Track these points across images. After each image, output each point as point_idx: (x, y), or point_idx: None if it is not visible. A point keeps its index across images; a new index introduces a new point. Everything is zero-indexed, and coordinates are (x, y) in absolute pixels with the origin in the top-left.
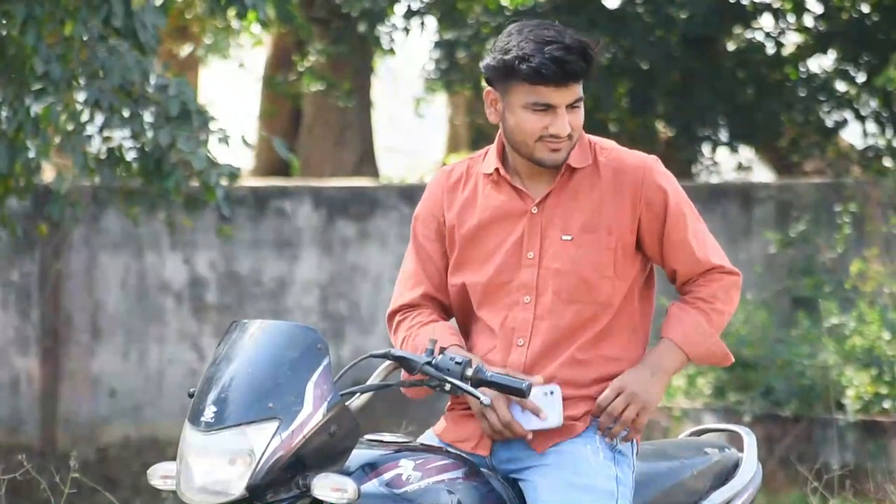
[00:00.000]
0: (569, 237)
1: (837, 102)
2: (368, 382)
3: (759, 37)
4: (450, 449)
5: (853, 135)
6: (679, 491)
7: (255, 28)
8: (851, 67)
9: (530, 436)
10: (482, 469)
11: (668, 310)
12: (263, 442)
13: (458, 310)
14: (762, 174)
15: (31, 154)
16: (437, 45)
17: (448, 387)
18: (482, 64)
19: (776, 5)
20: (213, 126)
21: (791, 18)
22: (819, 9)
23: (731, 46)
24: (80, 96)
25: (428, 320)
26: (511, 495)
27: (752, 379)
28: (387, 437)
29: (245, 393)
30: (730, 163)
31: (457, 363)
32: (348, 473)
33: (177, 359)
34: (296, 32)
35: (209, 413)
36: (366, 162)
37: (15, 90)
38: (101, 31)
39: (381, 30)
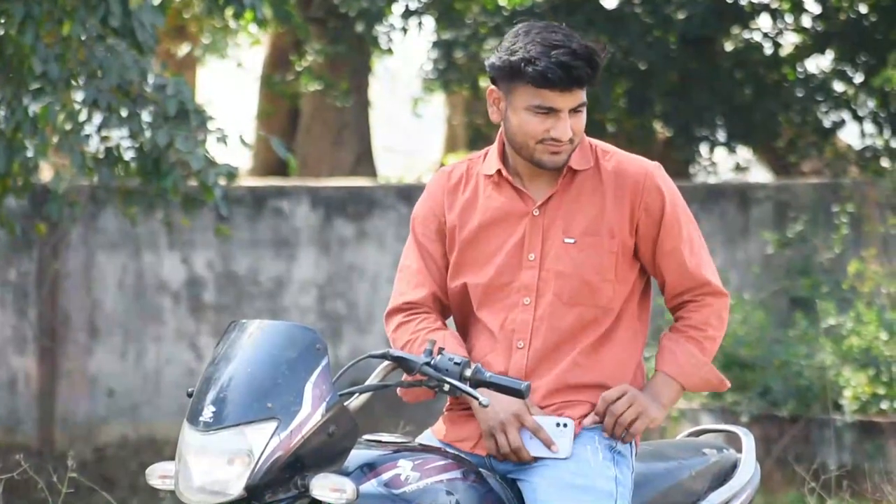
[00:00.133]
0: (571, 240)
1: (835, 103)
2: (367, 383)
3: (757, 37)
4: (448, 449)
5: (851, 135)
6: (677, 492)
7: (253, 28)
8: (849, 68)
9: (534, 462)
10: (481, 469)
11: (661, 341)
12: (262, 442)
13: (457, 311)
14: (760, 174)
15: (29, 153)
16: (435, 44)
17: (447, 387)
18: (487, 62)
19: (774, 6)
20: (211, 126)
21: (789, 19)
22: (817, 9)
23: (728, 47)
24: (78, 96)
25: (434, 327)
26: (510, 496)
27: (750, 379)
28: (385, 437)
29: (244, 393)
30: (727, 163)
31: (455, 364)
32: (347, 474)
33: (174, 358)
34: (293, 32)
35: (208, 413)
36: (363, 162)
37: (13, 89)
38: (99, 30)
39: (379, 29)
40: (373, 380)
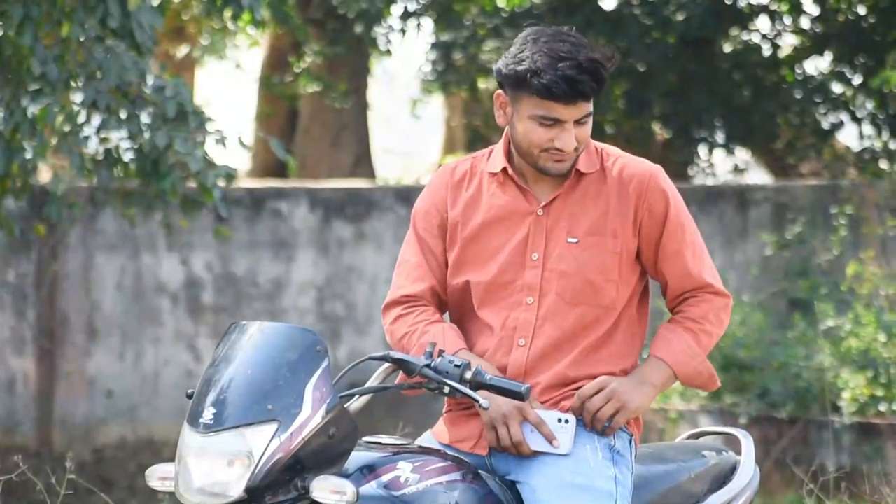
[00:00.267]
0: (574, 240)
1: (834, 104)
2: (367, 385)
3: (756, 39)
4: (448, 451)
5: (849, 137)
6: (676, 494)
7: (252, 29)
8: (848, 69)
9: (534, 455)
10: (480, 471)
11: (657, 330)
12: (262, 444)
13: (456, 309)
14: (758, 176)
15: (28, 155)
16: (434, 46)
17: (447, 389)
18: (494, 67)
19: (773, 7)
20: (209, 127)
21: (787, 20)
22: (815, 11)
23: (727, 48)
24: (77, 97)
25: (433, 319)
26: (509, 497)
27: (748, 381)
28: (385, 439)
29: (244, 395)
30: (726, 164)
31: (456, 366)
32: (347, 475)
33: (173, 360)
34: (292, 33)
35: (208, 415)
36: (362, 163)
37: (12, 91)
38: (98, 31)
39: (378, 31)
40: (373, 382)
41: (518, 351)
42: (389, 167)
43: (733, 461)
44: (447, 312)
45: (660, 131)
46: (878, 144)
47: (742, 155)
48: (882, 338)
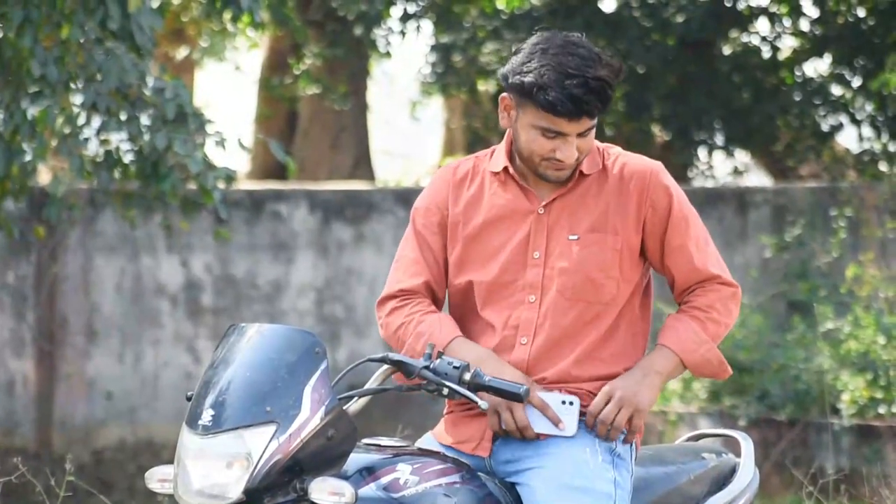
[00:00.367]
0: (575, 237)
1: (833, 106)
2: (366, 386)
3: (755, 41)
4: (447, 453)
5: (849, 139)
6: (676, 496)
7: (251, 31)
8: (847, 71)
9: (537, 438)
10: (480, 473)
11: (665, 321)
12: (261, 446)
13: (458, 309)
14: (758, 178)
15: (28, 157)
16: (433, 48)
17: (446, 391)
18: (500, 72)
19: (772, 9)
20: (209, 129)
21: (787, 22)
22: (815, 13)
23: (727, 50)
24: (77, 99)
25: (428, 310)
26: (509, 499)
27: (748, 383)
28: (384, 441)
29: (243, 397)
30: (725, 167)
31: (454, 367)
32: (346, 477)
33: (172, 361)
34: (292, 35)
35: (207, 417)
36: (361, 165)
37: (11, 93)
38: (98, 33)
39: (378, 33)
40: (372, 383)
41: (520, 349)
42: (389, 169)
43: (733, 463)
44: (445, 311)
45: (659, 133)
46: (877, 147)
47: (741, 157)
48: (881, 340)
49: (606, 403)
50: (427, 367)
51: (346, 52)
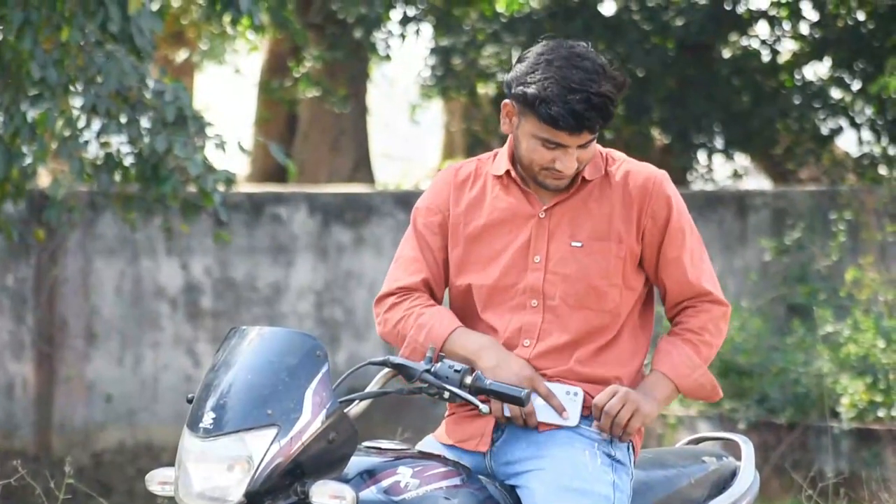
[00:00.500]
0: (578, 244)
1: (833, 110)
2: (367, 390)
3: (755, 44)
4: (449, 453)
5: (848, 142)
6: (677, 499)
7: (251, 34)
8: (847, 75)
9: (539, 426)
10: (480, 476)
11: (658, 344)
12: (262, 449)
13: (457, 312)
14: (757, 182)
15: (28, 159)
16: (433, 51)
17: (447, 395)
18: (505, 79)
19: (772, 13)
20: (209, 131)
21: (787, 26)
22: (814, 16)
23: (726, 54)
24: (77, 101)
25: (427, 304)
26: (509, 502)
27: (747, 386)
28: (385, 444)
29: (244, 400)
30: (725, 170)
31: (455, 371)
32: (346, 480)
33: (172, 364)
34: (291, 38)
35: (208, 419)
36: (361, 168)
37: (11, 95)
38: (98, 36)
39: (377, 36)
40: (373, 387)
41: (522, 350)
42: (388, 172)
43: (733, 467)
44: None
45: (659, 137)
46: (876, 150)
47: (741, 160)
48: (881, 343)
49: (612, 397)
50: (428, 371)
51: (346, 55)
